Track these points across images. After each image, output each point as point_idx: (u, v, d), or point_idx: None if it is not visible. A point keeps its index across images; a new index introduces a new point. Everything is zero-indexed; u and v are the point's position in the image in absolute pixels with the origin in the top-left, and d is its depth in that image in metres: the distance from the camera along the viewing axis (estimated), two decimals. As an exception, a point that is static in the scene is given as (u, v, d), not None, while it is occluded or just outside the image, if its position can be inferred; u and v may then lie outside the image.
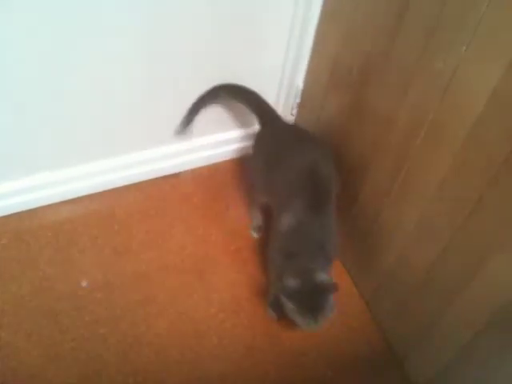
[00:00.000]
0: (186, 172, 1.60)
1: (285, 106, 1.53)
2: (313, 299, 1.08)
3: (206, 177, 1.61)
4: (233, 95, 1.42)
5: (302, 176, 1.18)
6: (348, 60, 1.21)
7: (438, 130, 0.94)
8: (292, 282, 1.08)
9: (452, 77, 0.88)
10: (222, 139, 1.58)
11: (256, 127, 1.55)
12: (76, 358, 1.19)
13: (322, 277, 1.09)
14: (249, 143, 1.62)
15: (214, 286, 1.35)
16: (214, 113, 1.48)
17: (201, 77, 1.37)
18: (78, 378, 1.16)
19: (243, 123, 1.59)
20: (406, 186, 1.08)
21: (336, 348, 1.28)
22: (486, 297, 0.92)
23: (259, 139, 1.38)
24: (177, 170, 1.59)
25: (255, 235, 1.46)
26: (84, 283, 1.32)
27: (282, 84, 1.49)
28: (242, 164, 1.65)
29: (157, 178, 1.57)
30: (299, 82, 1.44)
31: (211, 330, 1.27)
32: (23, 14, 1.05)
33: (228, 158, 1.65)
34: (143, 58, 1.25)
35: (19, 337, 1.20)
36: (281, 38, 1.38)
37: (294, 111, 1.52)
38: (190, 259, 1.40)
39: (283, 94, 1.51)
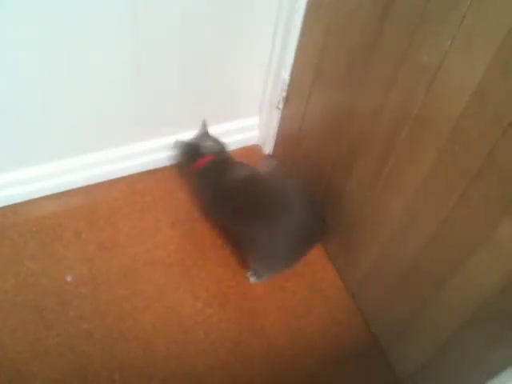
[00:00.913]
0: (171, 166, 1.59)
1: (271, 99, 1.52)
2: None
3: (192, 171, 1.60)
4: None
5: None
6: (333, 54, 1.20)
7: (423, 124, 0.94)
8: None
9: (437, 70, 0.88)
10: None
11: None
12: (61, 353, 1.18)
13: None
14: (234, 136, 1.62)
15: (200, 280, 1.35)
16: (200, 107, 1.48)
17: (187, 72, 1.37)
18: (64, 373, 1.16)
19: (230, 117, 1.58)
20: (392, 179, 1.08)
21: (322, 341, 1.28)
22: (470, 290, 0.93)
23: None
24: (163, 165, 1.58)
25: None
26: (69, 278, 1.31)
27: (268, 77, 1.48)
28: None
29: (143, 172, 1.56)
30: (285, 75, 1.43)
31: (198, 325, 1.27)
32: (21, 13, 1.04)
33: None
34: (129, 56, 1.25)
35: (4, 332, 1.19)
36: (266, 31, 1.37)
37: (281, 105, 1.51)
38: (176, 254, 1.39)
39: (269, 87, 1.50)
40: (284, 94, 1.47)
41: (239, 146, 1.65)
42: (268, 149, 1.68)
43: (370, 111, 1.09)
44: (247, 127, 1.63)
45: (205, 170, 1.35)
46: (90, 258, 1.35)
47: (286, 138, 1.59)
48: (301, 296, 1.35)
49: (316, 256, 1.43)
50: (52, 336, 1.20)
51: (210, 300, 1.31)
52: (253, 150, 1.69)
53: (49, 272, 1.31)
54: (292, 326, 1.29)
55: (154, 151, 1.52)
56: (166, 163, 1.58)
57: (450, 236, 0.94)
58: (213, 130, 1.46)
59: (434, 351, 1.07)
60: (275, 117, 1.56)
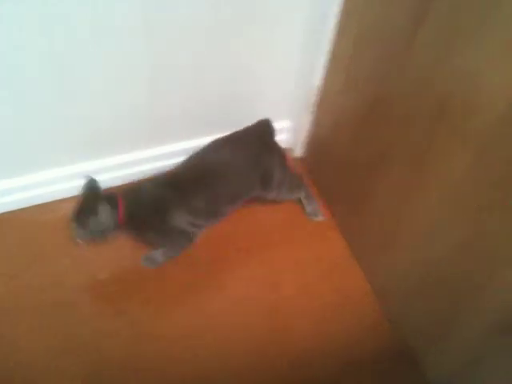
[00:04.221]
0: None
1: (302, 103, 1.52)
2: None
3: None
4: None
5: None
6: (365, 59, 1.20)
7: (459, 130, 0.94)
8: None
9: (474, 77, 0.87)
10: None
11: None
12: (85, 351, 1.20)
13: None
14: None
15: (224, 282, 1.37)
16: (229, 110, 1.49)
17: (217, 75, 1.38)
18: (87, 372, 1.17)
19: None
20: (424, 184, 1.07)
21: (348, 346, 1.27)
22: (509, 295, 0.91)
23: None
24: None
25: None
26: (100, 276, 1.33)
27: (299, 82, 1.48)
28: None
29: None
30: (316, 80, 1.43)
31: (225, 326, 1.28)
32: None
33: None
34: (150, 59, 1.26)
35: (29, 330, 1.22)
36: (298, 35, 1.37)
37: (312, 109, 1.51)
38: (204, 254, 1.40)
39: (300, 92, 1.50)
40: (315, 98, 1.48)
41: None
42: (298, 152, 1.68)
43: (403, 115, 1.09)
44: (278, 131, 1.61)
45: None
46: (124, 257, 1.37)
47: (316, 142, 1.59)
48: (328, 300, 1.35)
49: (344, 259, 1.43)
50: (78, 334, 1.23)
51: (234, 302, 1.32)
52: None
53: (81, 270, 1.34)
54: (318, 330, 1.29)
55: (178, 154, 1.53)
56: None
57: (488, 241, 0.93)
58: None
59: (469, 359, 1.06)
60: (306, 121, 1.56)
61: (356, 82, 1.27)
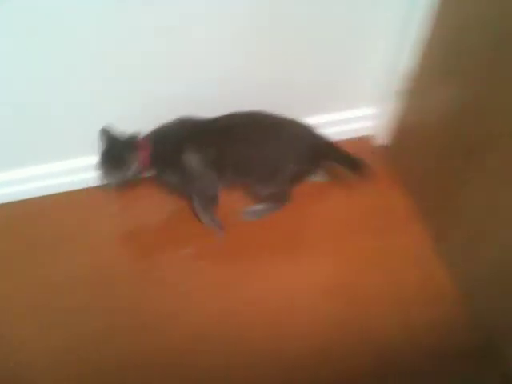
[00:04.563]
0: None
1: (390, 90, 1.43)
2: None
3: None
4: None
5: None
6: (467, 47, 1.10)
7: None
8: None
9: None
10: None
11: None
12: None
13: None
14: (348, 126, 1.57)
15: (300, 268, 1.34)
16: (310, 96, 1.45)
17: (300, 59, 1.34)
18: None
19: (346, 106, 1.54)
20: None
21: (430, 338, 1.21)
22: None
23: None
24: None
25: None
26: (187, 250, 1.37)
27: (388, 69, 1.40)
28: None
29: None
30: (408, 66, 1.33)
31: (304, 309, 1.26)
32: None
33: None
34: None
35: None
36: (390, 19, 1.29)
37: (400, 97, 1.42)
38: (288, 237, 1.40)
39: (389, 79, 1.42)
40: (406, 86, 1.38)
41: (352, 135, 1.59)
42: (382, 140, 1.59)
43: (500, 103, 1.00)
44: (362, 117, 1.57)
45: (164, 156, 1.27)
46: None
47: (403, 131, 1.50)
48: (407, 291, 1.28)
49: (425, 252, 1.36)
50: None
51: (312, 289, 1.29)
52: (365, 141, 1.62)
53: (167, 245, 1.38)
54: (399, 319, 1.23)
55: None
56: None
57: None
58: (325, 119, 1.45)
59: None
60: (393, 108, 1.47)
61: (452, 71, 1.17)
